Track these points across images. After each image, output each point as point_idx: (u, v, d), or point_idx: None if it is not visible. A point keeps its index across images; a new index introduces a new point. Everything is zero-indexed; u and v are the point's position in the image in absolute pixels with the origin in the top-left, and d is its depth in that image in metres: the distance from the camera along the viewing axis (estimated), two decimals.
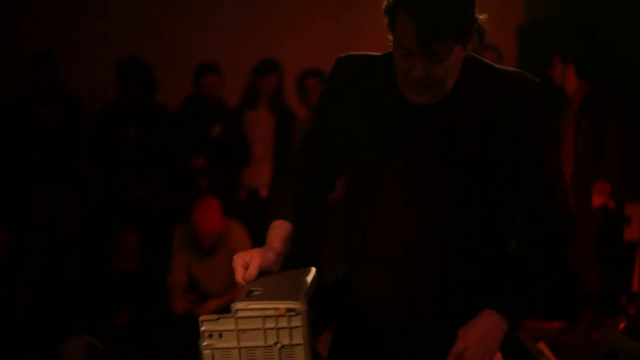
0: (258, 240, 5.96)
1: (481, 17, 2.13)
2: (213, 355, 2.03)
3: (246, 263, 2.13)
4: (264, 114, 6.49)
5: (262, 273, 2.13)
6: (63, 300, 5.94)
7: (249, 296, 2.04)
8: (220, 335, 2.01)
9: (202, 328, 2.01)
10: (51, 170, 6.30)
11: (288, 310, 1.99)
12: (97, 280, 5.90)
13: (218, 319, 2.01)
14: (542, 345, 4.70)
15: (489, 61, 2.24)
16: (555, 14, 6.62)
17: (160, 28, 6.93)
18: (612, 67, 6.08)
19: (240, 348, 2.02)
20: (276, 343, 2.01)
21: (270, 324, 2.00)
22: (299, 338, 2.00)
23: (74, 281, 6.13)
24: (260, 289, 2.07)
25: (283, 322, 2.00)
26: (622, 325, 5.02)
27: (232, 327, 2.01)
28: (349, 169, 2.29)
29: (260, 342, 2.01)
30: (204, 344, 2.02)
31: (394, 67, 2.14)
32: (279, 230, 2.25)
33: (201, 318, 2.02)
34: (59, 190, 6.38)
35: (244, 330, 2.01)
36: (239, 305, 2.01)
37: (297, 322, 2.00)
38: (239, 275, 2.12)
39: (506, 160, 2.17)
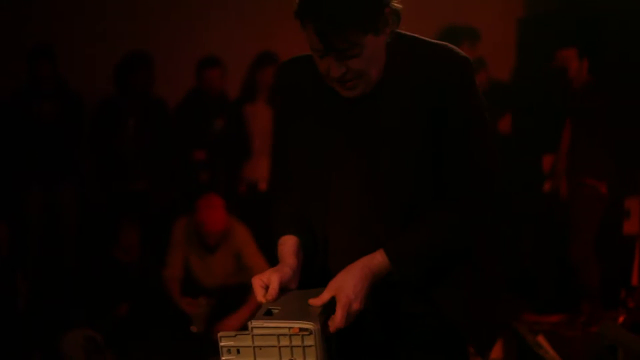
0: (259, 236, 5.94)
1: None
2: None
3: (265, 283, 2.18)
4: (262, 107, 6.49)
5: (282, 290, 2.19)
6: (62, 294, 5.94)
7: (267, 314, 2.13)
8: (238, 351, 2.11)
9: (221, 344, 2.11)
10: (50, 165, 6.29)
11: (301, 330, 2.08)
12: (96, 273, 5.90)
13: (236, 335, 2.11)
14: (541, 339, 4.70)
15: (416, 35, 2.22)
16: (556, 7, 6.62)
17: (161, 22, 6.92)
18: (612, 60, 6.08)
19: None
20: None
21: (284, 341, 2.09)
22: (312, 357, 2.08)
23: (73, 274, 6.13)
24: (279, 307, 2.15)
25: (297, 341, 2.08)
26: (621, 319, 5.02)
27: (249, 343, 2.11)
28: (298, 169, 2.29)
29: (276, 359, 2.10)
30: (223, 358, 2.12)
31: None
32: (288, 245, 2.28)
33: (220, 334, 2.12)
34: (57, 184, 6.37)
35: (261, 347, 2.10)
36: (255, 323, 2.10)
37: (310, 341, 2.07)
38: (260, 295, 2.17)
39: (430, 138, 2.16)
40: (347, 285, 2.13)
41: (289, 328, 2.07)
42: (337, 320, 2.10)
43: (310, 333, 2.07)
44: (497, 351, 4.86)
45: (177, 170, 6.48)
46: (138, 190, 6.39)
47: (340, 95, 2.18)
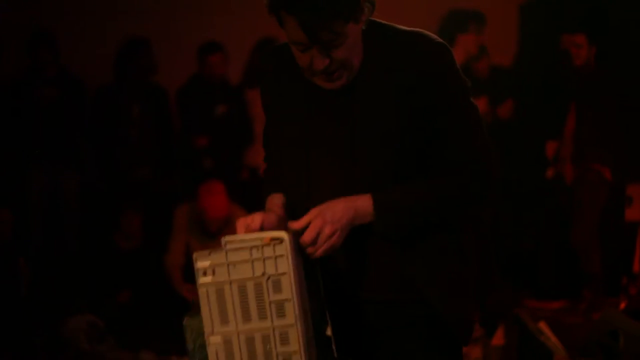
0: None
1: None
2: (208, 293, 2.08)
3: (248, 224, 2.16)
4: None
5: None
6: (64, 279, 5.95)
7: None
8: (213, 272, 2.07)
9: (196, 265, 2.07)
10: (53, 150, 6.28)
11: (272, 239, 2.04)
12: (98, 259, 5.91)
13: (210, 253, 2.07)
14: (542, 325, 4.70)
15: (384, 22, 2.21)
16: None
17: (162, 7, 6.90)
18: (617, 45, 6.06)
19: (231, 282, 2.07)
20: (263, 274, 2.05)
21: (257, 254, 2.04)
22: (284, 267, 2.04)
23: (76, 260, 6.13)
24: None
25: (269, 252, 2.05)
26: (622, 306, 5.03)
27: (223, 260, 2.06)
28: (281, 156, 2.28)
29: (250, 274, 2.05)
30: (199, 282, 2.08)
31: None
32: (275, 199, 2.28)
33: (195, 255, 2.09)
34: (60, 169, 6.36)
35: (235, 264, 2.06)
36: (228, 237, 2.08)
37: (282, 250, 2.04)
38: (242, 231, 2.15)
39: (411, 121, 2.14)
40: (326, 209, 2.10)
41: (261, 239, 2.04)
42: (305, 235, 2.07)
43: (282, 241, 2.03)
44: (498, 337, 4.87)
45: (180, 157, 6.48)
46: (141, 177, 6.38)
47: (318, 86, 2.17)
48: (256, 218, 2.15)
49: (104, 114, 6.41)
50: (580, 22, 5.91)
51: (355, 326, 2.27)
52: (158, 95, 6.47)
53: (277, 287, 2.05)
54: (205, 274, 2.07)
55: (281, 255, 2.03)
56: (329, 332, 2.14)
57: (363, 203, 2.13)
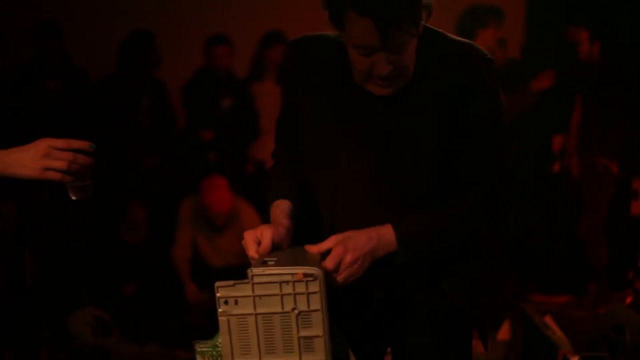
0: (267, 216, 5.92)
1: None
2: (229, 322, 2.01)
3: (257, 238, 2.11)
4: (271, 86, 6.47)
5: (274, 248, 2.12)
6: (70, 272, 5.95)
7: (264, 264, 2.03)
8: (236, 302, 2.00)
9: (218, 294, 2.00)
10: None
11: (305, 275, 1.98)
12: (104, 252, 5.91)
13: (234, 284, 2.00)
14: (548, 319, 4.70)
15: (441, 31, 2.19)
16: None
17: (169, 0, 6.89)
18: (624, 38, 6.04)
19: (257, 314, 2.01)
20: (294, 309, 2.00)
21: (287, 289, 1.98)
22: (316, 304, 1.99)
23: (81, 253, 6.14)
24: (275, 259, 2.05)
25: (300, 288, 1.98)
26: (628, 300, 5.01)
27: (249, 293, 1.99)
28: (308, 153, 2.26)
29: (278, 308, 2.00)
30: (220, 310, 2.01)
31: (351, 63, 2.10)
32: (281, 207, 2.24)
33: (217, 284, 2.01)
34: None
35: (261, 296, 1.99)
36: (255, 270, 2.00)
37: (314, 287, 1.98)
38: (252, 250, 2.10)
39: (447, 135, 2.13)
40: (348, 238, 2.08)
41: (292, 274, 1.97)
42: (327, 262, 2.04)
43: (315, 279, 1.97)
44: (504, 332, 4.86)
45: (185, 150, 6.48)
46: (146, 169, 6.38)
47: (363, 88, 2.13)
48: (265, 234, 2.11)
49: (108, 106, 6.41)
50: (582, 15, 5.90)
51: (370, 323, 2.28)
52: (159, 89, 6.46)
53: (308, 323, 2.01)
54: (227, 303, 2.00)
55: (314, 292, 1.99)
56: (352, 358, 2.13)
57: (386, 234, 2.11)
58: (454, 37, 2.19)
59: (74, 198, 2.11)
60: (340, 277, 2.06)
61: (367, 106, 2.15)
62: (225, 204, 5.78)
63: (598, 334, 4.45)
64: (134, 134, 6.37)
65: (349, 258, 2.06)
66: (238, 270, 6.06)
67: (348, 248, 2.06)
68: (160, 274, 5.88)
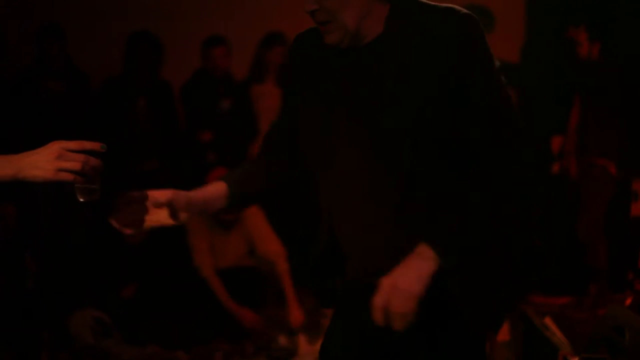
0: (272, 217, 5.83)
1: None
2: None
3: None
4: (271, 87, 6.47)
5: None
6: (70, 274, 5.95)
7: None
8: None
9: None
10: None
11: None
12: (104, 253, 5.91)
13: None
14: (548, 321, 4.70)
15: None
16: None
17: (167, 1, 6.90)
18: (623, 37, 6.04)
19: None
20: None
21: None
22: None
23: (82, 255, 6.14)
24: None
25: None
26: (628, 301, 5.01)
27: None
28: (305, 139, 2.27)
29: None
30: None
31: None
32: (209, 187, 2.32)
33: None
34: None
35: None
36: None
37: None
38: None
39: (436, 97, 2.09)
40: (395, 289, 2.04)
41: None
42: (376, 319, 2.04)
43: None
44: (504, 333, 4.86)
45: (184, 152, 6.47)
46: (147, 170, 6.38)
47: (343, 61, 2.16)
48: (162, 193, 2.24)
49: (110, 107, 6.41)
50: (581, 15, 5.90)
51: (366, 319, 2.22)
52: (163, 89, 6.46)
53: None
54: None
55: None
56: None
57: (422, 270, 2.05)
58: (431, 2, 2.17)
59: (81, 200, 2.13)
60: (397, 324, 2.05)
61: (351, 78, 2.16)
62: None
63: (598, 335, 4.45)
64: (134, 135, 6.37)
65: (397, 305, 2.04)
66: (241, 272, 5.96)
67: (388, 294, 2.03)
68: (160, 275, 5.86)
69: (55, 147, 2.08)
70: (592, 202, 5.71)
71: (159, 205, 2.25)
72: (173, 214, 2.28)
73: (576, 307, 5.58)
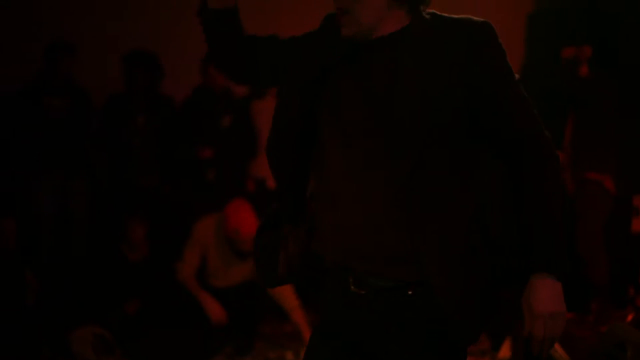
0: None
1: None
2: None
3: None
4: (271, 103, 6.46)
5: None
6: (72, 291, 5.94)
7: None
8: None
9: None
10: (61, 160, 6.29)
11: None
12: (105, 270, 5.90)
13: None
14: None
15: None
16: (565, 2, 6.60)
17: (167, 19, 6.90)
18: (620, 53, 6.07)
19: None
20: None
21: None
22: None
23: (83, 271, 6.13)
24: None
25: None
26: (630, 317, 5.01)
27: None
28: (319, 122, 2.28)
29: None
30: None
31: None
32: None
33: None
34: (69, 179, 6.37)
35: None
36: None
37: None
38: None
39: (456, 102, 2.13)
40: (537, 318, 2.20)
41: None
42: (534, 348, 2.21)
43: None
44: (505, 350, 4.86)
45: (184, 168, 6.46)
46: (148, 186, 6.38)
47: (362, 47, 2.19)
48: None
49: (111, 124, 6.42)
50: (580, 32, 5.93)
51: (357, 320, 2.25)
52: (164, 106, 6.47)
53: None
54: None
55: None
56: None
57: (555, 293, 2.24)
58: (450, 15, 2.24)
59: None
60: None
61: (373, 71, 2.19)
62: (253, 227, 5.66)
63: (600, 352, 4.45)
64: (136, 150, 6.37)
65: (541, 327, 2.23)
66: (235, 291, 5.92)
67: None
68: (162, 292, 5.84)
69: None
70: (588, 218, 5.71)
71: None
72: None
73: (578, 324, 5.58)
